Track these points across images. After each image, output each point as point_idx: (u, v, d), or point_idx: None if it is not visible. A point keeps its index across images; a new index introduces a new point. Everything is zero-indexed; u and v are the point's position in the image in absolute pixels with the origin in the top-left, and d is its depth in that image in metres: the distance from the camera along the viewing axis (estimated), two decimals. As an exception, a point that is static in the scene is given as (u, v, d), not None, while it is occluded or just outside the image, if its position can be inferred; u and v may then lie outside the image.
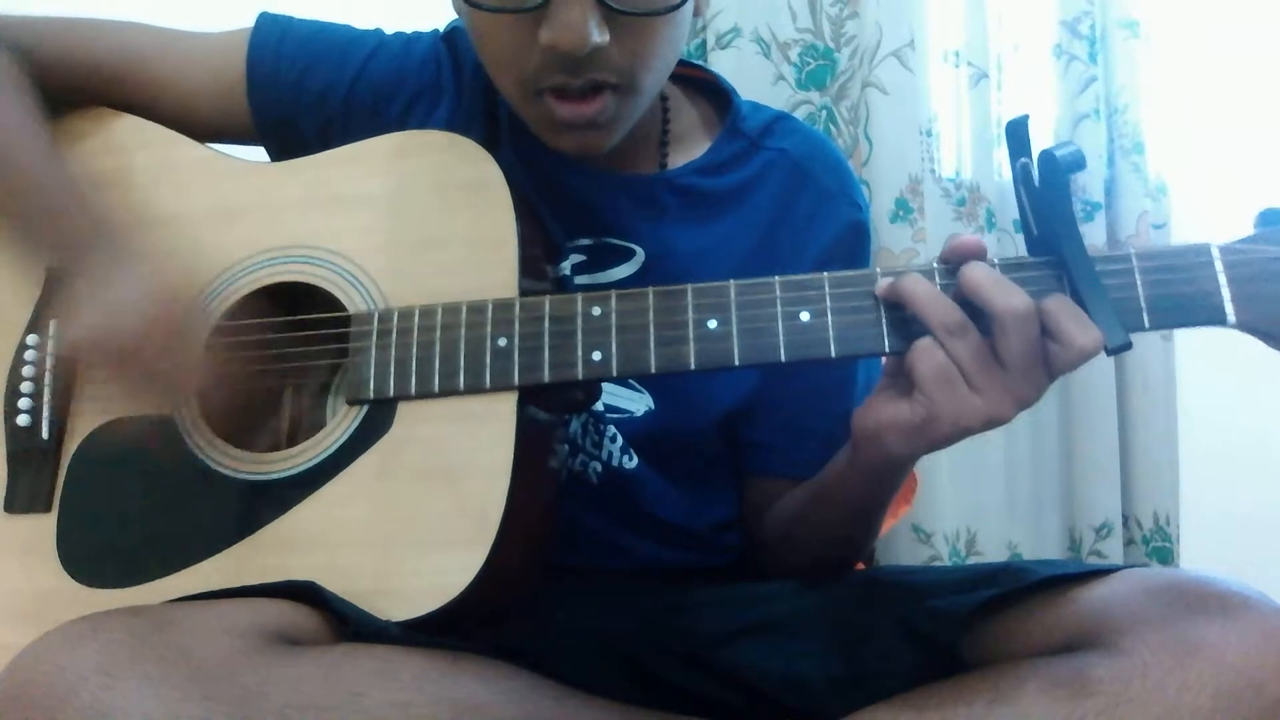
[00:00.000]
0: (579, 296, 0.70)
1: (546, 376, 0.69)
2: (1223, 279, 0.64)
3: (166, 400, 0.73)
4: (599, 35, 0.68)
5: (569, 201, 0.84)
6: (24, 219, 0.75)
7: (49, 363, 0.77)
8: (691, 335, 0.68)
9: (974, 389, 0.62)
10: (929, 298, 0.63)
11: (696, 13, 0.78)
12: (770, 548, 0.88)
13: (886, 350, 0.66)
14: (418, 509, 0.68)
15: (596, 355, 0.69)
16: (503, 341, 0.70)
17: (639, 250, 0.84)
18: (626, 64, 0.71)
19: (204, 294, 0.77)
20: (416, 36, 0.89)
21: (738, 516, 0.91)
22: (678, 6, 0.71)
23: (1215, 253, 0.64)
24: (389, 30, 0.90)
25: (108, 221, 0.73)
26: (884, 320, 0.66)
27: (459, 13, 0.78)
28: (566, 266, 0.84)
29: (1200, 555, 1.62)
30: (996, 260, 0.65)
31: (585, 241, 0.84)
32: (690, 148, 0.87)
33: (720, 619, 0.77)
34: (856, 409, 0.69)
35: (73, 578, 0.72)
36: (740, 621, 0.76)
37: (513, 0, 0.68)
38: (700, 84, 0.91)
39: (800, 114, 1.60)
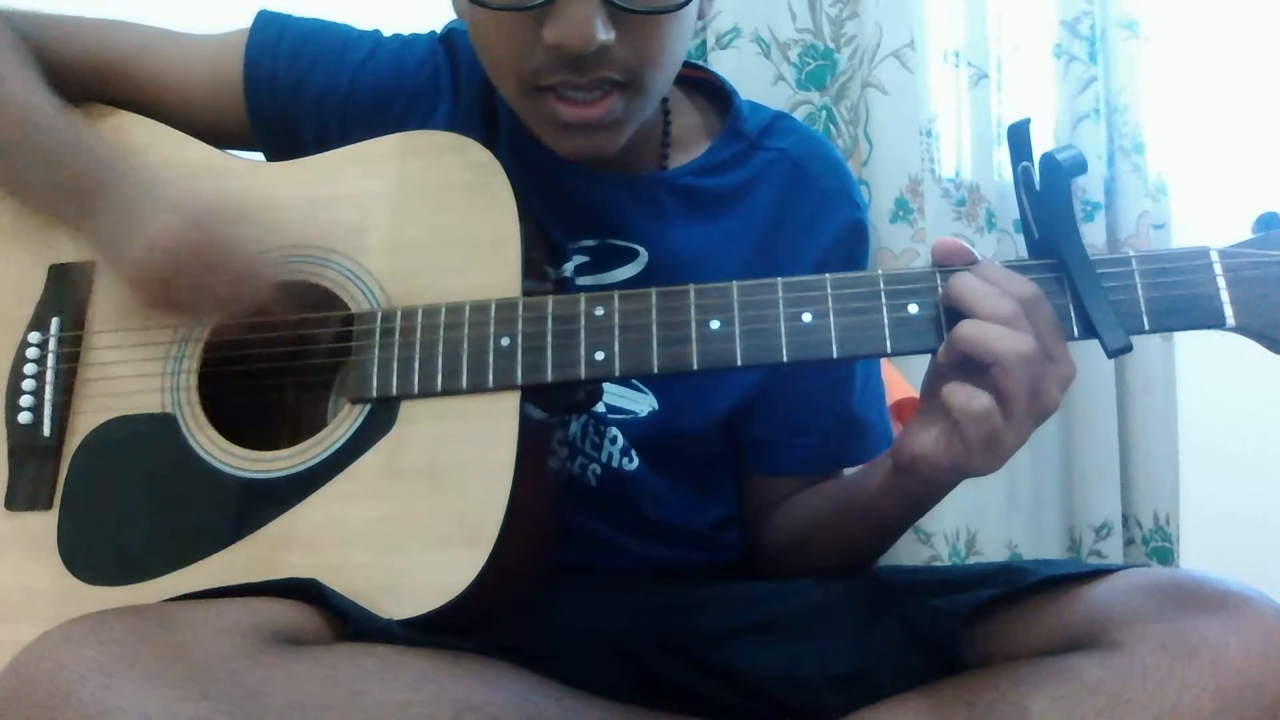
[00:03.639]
0: (582, 296, 0.70)
1: (549, 376, 0.69)
2: (1222, 282, 0.64)
3: (235, 305, 0.72)
4: (605, 33, 0.68)
5: (570, 203, 0.84)
6: (33, 163, 0.76)
7: (50, 360, 0.77)
8: (694, 336, 0.68)
9: (1008, 417, 0.61)
10: (984, 294, 0.62)
11: (700, 15, 0.77)
12: (778, 551, 0.88)
13: (888, 351, 0.66)
14: (420, 507, 0.68)
15: (599, 355, 0.69)
16: (506, 341, 0.70)
17: (643, 251, 0.84)
18: (633, 62, 0.71)
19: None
20: (414, 38, 0.88)
21: (737, 514, 0.91)
22: (683, 5, 0.70)
23: (1214, 256, 0.64)
24: (387, 31, 0.89)
25: (115, 157, 0.75)
26: (886, 322, 0.66)
27: (458, 12, 0.78)
28: (569, 268, 0.83)
29: (1200, 555, 1.63)
30: (997, 264, 0.65)
31: (589, 242, 0.84)
32: (690, 148, 0.87)
33: (720, 618, 0.77)
34: (897, 437, 0.68)
35: (73, 575, 0.72)
36: (740, 621, 0.76)
37: None
38: (700, 84, 0.90)
39: (800, 114, 1.60)
